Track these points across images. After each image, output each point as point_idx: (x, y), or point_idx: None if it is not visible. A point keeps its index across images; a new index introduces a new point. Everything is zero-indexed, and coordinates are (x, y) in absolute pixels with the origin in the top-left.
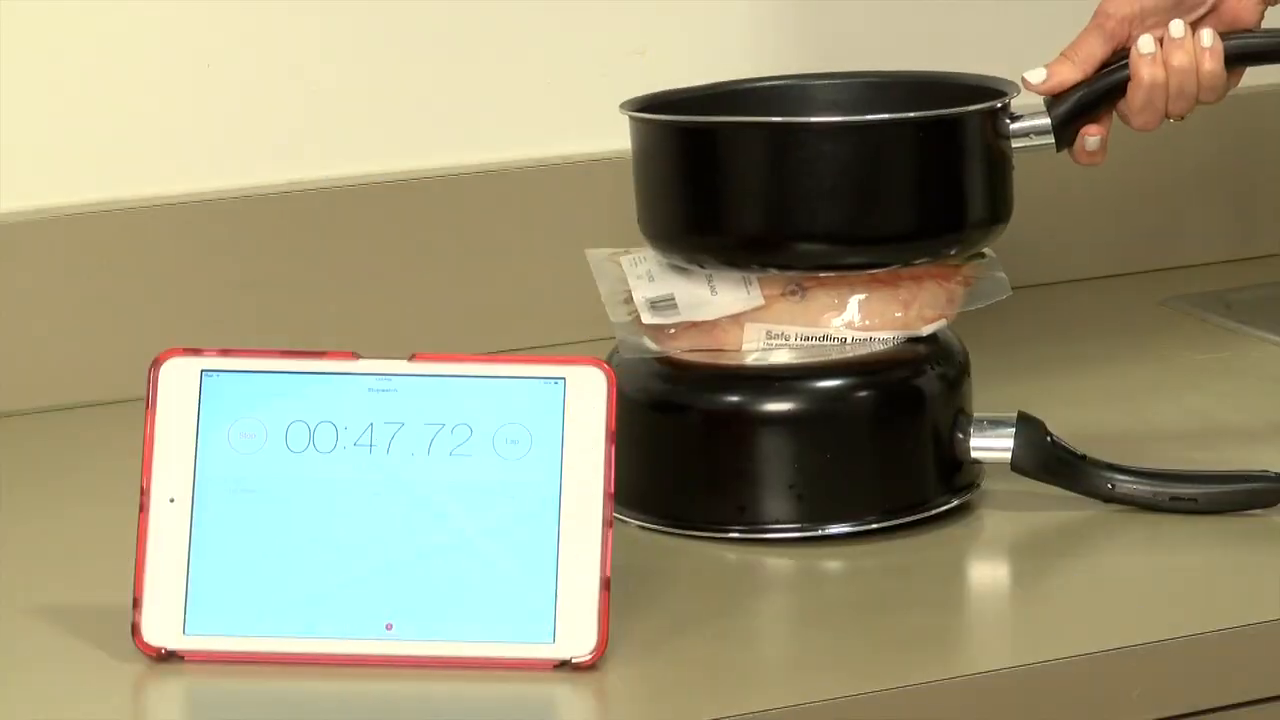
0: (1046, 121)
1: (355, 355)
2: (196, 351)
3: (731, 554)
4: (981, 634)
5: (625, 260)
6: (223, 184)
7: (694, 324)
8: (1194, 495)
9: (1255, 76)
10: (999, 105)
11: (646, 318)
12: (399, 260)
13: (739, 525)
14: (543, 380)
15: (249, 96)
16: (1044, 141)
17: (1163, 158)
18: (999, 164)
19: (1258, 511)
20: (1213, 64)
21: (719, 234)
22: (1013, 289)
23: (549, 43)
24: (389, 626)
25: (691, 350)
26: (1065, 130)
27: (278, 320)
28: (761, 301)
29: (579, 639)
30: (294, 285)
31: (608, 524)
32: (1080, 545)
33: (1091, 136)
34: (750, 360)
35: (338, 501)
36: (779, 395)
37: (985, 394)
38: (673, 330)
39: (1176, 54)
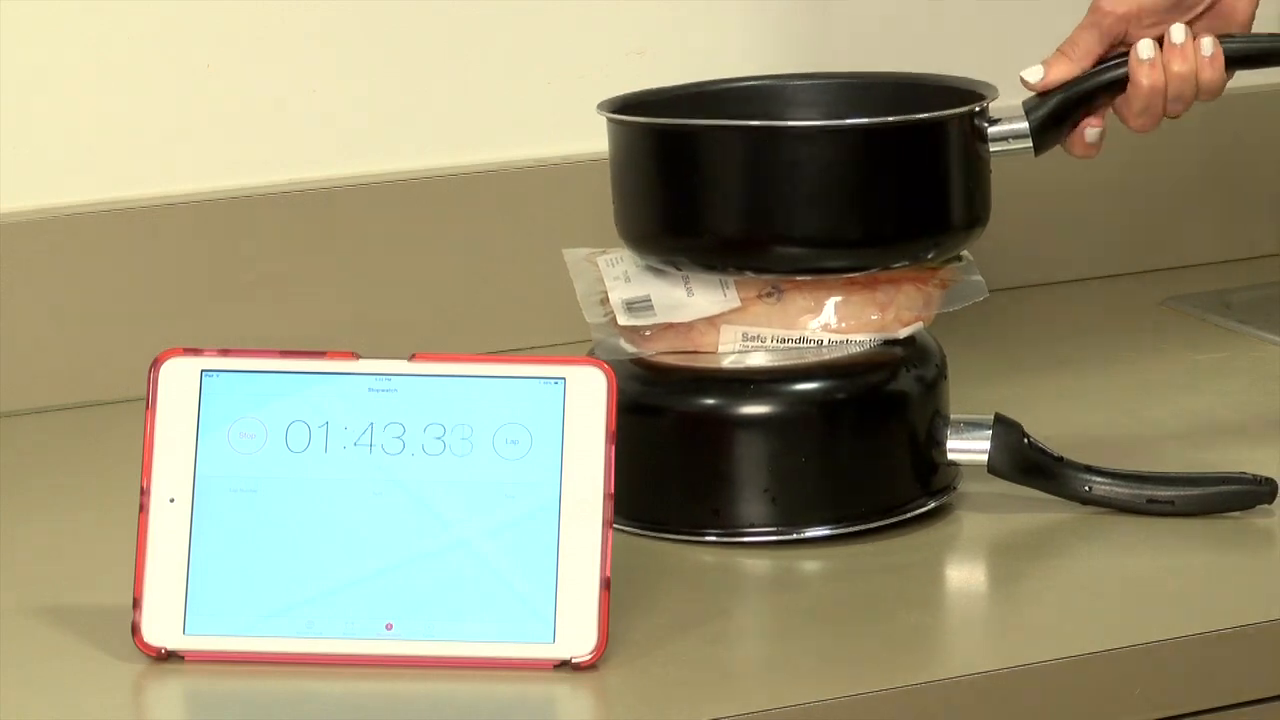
0: (1025, 126)
1: (355, 355)
2: (196, 351)
3: (709, 556)
4: (975, 634)
5: (602, 261)
6: (223, 184)
7: (670, 326)
8: (1171, 497)
9: (1255, 77)
10: (977, 109)
11: (623, 319)
12: (399, 260)
13: (715, 529)
14: (543, 380)
15: (249, 96)
16: (1022, 145)
17: (1163, 158)
18: (977, 167)
19: (1235, 513)
20: (1213, 73)
21: (696, 236)
22: (1011, 289)
23: (549, 43)
24: (389, 626)
25: (667, 352)
26: (1044, 135)
27: (278, 320)
28: (738, 303)
29: (579, 639)
30: (294, 285)
31: (608, 524)
32: (1058, 547)
33: (1092, 129)
34: (726, 363)
35: (338, 501)
36: (755, 398)
37: (983, 395)
38: (649, 332)
39: (1176, 61)
